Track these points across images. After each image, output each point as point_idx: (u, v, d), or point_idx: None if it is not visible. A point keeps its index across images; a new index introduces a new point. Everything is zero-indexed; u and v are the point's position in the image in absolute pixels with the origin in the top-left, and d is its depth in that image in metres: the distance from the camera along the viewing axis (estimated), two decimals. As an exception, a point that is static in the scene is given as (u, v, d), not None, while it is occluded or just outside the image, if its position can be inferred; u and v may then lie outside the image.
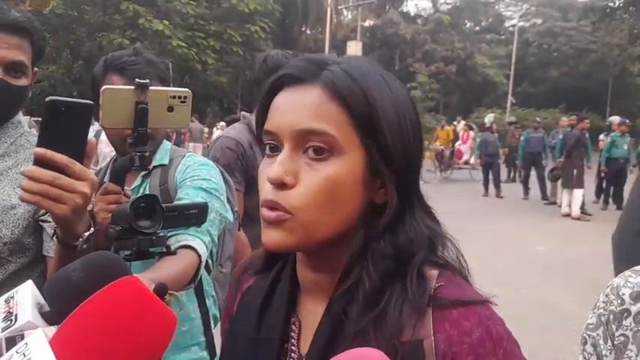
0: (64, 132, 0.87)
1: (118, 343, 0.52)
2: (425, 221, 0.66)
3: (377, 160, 0.62)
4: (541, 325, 4.21)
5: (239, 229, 1.83)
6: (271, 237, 0.62)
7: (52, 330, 0.57)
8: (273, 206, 0.62)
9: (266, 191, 0.62)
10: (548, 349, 3.63)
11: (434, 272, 0.64)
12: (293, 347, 0.68)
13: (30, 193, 0.86)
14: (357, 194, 0.63)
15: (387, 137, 0.62)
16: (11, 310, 0.59)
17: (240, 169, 2.03)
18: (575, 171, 9.43)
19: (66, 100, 0.87)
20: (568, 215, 9.49)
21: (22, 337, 0.56)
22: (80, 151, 0.89)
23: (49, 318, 0.59)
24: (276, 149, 0.64)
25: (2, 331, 0.56)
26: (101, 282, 0.60)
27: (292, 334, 0.69)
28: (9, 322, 0.58)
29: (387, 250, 0.63)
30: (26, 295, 0.61)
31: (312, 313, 0.68)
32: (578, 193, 9.44)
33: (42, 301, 0.62)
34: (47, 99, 0.86)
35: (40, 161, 0.86)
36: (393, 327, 0.60)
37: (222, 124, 13.38)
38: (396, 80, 0.67)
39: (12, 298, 0.62)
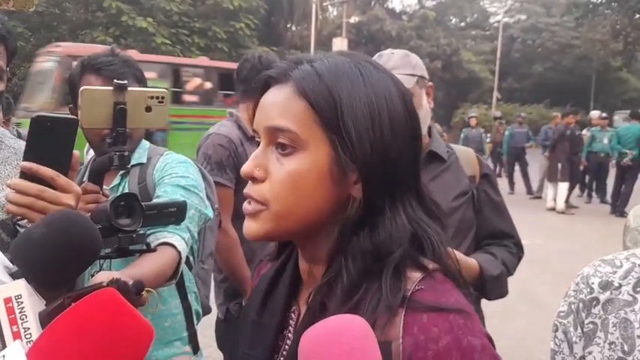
0: (49, 146, 0.89)
1: (95, 354, 0.52)
2: (415, 217, 0.65)
3: (342, 156, 0.62)
4: (526, 317, 4.27)
5: (220, 226, 1.83)
6: (248, 227, 0.67)
7: (21, 282, 0.61)
8: (248, 198, 0.66)
9: (247, 185, 0.67)
10: (533, 339, 3.68)
11: (416, 275, 0.63)
12: (289, 335, 0.71)
13: (16, 205, 0.88)
14: (325, 187, 0.64)
15: (351, 135, 0.62)
16: None
17: (232, 166, 2.03)
18: (559, 165, 9.51)
19: (51, 115, 0.90)
20: (553, 209, 9.58)
21: None
22: (65, 164, 0.91)
23: (17, 276, 0.63)
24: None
25: None
26: (62, 235, 0.65)
27: (291, 321, 0.72)
28: None
29: (366, 245, 0.63)
30: None
31: (307, 301, 0.69)
32: (562, 187, 9.52)
33: (10, 265, 0.65)
34: (33, 115, 0.89)
35: (26, 174, 0.89)
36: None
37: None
38: (382, 74, 0.67)
39: None
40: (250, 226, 0.66)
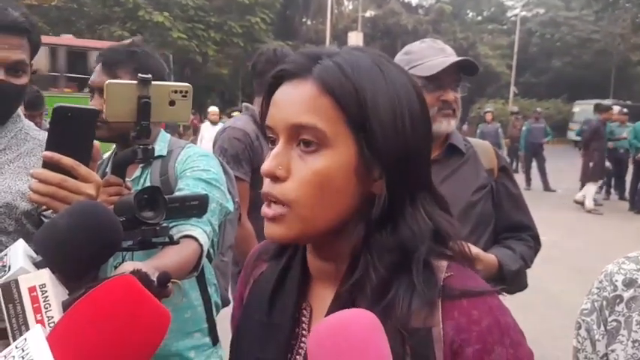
0: (70, 136, 0.91)
1: (113, 339, 0.53)
2: (433, 212, 0.66)
3: (367, 153, 0.62)
4: (542, 313, 4.24)
5: (239, 219, 1.85)
6: (272, 231, 0.65)
7: (45, 272, 0.63)
8: (269, 198, 0.64)
9: (264, 184, 0.65)
10: (549, 336, 3.65)
11: (443, 263, 0.65)
12: (304, 332, 0.70)
13: (38, 194, 0.90)
14: (351, 185, 0.63)
15: (377, 131, 0.62)
16: (5, 264, 0.65)
17: (248, 160, 2.06)
18: (591, 163, 9.24)
19: (72, 106, 0.91)
20: (580, 203, 9.33)
21: (17, 282, 0.61)
22: (86, 154, 0.93)
23: (41, 266, 0.64)
24: (275, 142, 0.66)
25: None
26: (86, 224, 0.66)
27: (303, 319, 0.71)
28: (3, 272, 0.64)
29: (391, 243, 0.64)
30: (18, 250, 0.67)
31: (322, 299, 0.69)
32: (591, 186, 9.30)
33: (34, 255, 0.67)
34: (55, 105, 0.91)
35: (48, 164, 0.90)
36: (402, 317, 0.61)
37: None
38: (398, 70, 0.67)
39: (5, 255, 0.67)
40: (275, 230, 0.64)
